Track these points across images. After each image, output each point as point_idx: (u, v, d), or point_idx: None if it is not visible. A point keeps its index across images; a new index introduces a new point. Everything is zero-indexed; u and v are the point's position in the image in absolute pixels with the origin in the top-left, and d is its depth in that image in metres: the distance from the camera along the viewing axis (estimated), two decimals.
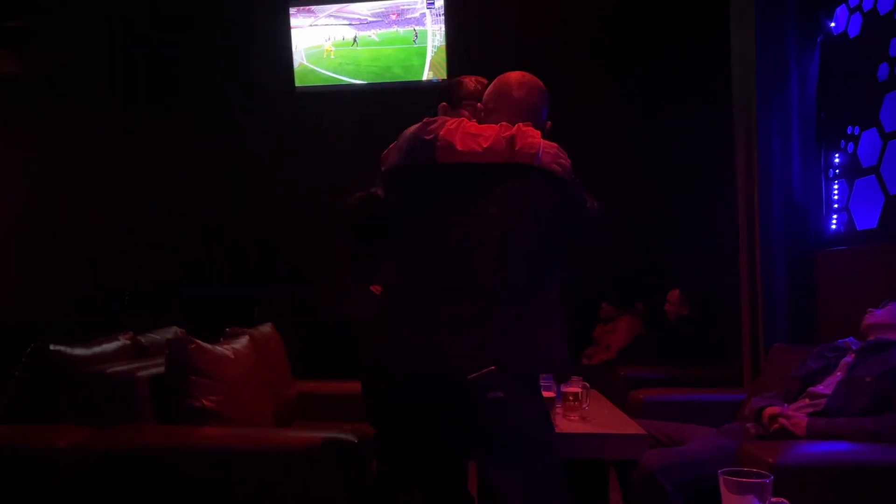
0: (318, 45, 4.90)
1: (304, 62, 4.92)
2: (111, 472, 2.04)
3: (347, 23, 4.86)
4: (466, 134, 1.67)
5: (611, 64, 4.04)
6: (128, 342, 2.57)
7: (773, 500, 1.07)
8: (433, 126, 1.70)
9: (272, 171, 4.92)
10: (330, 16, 4.89)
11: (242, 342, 2.70)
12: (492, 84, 1.88)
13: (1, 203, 5.50)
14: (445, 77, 4.74)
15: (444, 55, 4.76)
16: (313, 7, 4.86)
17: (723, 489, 1.07)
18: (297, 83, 4.95)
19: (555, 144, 1.69)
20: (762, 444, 2.07)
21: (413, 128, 1.78)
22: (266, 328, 3.22)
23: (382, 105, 4.76)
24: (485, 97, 1.86)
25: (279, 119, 5.01)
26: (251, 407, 2.49)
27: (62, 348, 2.27)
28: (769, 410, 2.24)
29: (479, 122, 1.78)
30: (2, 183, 5.52)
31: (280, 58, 4.90)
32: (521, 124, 1.71)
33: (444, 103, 2.10)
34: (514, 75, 1.84)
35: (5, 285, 5.25)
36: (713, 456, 2.09)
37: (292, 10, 4.87)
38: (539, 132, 1.70)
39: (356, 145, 4.68)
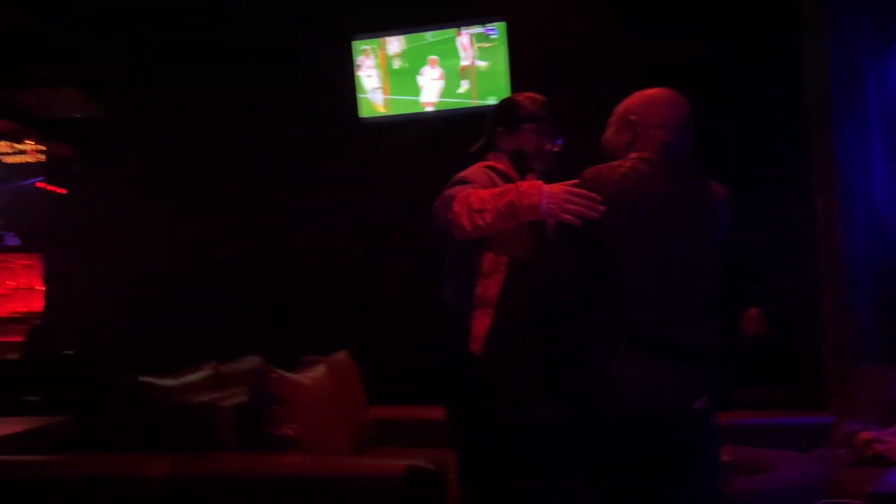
0: (381, 74, 5.00)
1: (368, 93, 5.03)
2: (200, 500, 2.12)
3: (411, 51, 4.95)
4: (472, 211, 1.69)
5: (678, 77, 3.97)
6: (211, 372, 2.67)
7: None
8: (450, 204, 1.75)
9: (342, 199, 5.02)
10: (393, 45, 4.98)
11: (320, 370, 2.77)
12: (645, 102, 1.82)
13: (82, 241, 5.79)
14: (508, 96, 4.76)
15: (505, 78, 4.78)
16: (377, 38, 4.96)
17: None
18: (362, 114, 5.06)
19: (561, 188, 1.62)
20: (857, 472, 1.98)
21: (441, 198, 1.84)
22: (341, 355, 3.28)
23: (449, 130, 4.82)
24: (633, 122, 1.79)
25: (344, 149, 5.12)
26: (330, 434, 2.54)
27: (151, 379, 2.38)
28: (863, 435, 2.14)
29: (631, 139, 1.77)
30: (84, 221, 5.81)
31: (345, 89, 5.02)
32: (522, 182, 1.73)
33: (501, 128, 2.06)
34: (661, 93, 1.83)
35: (90, 320, 5.51)
36: (803, 484, 2.02)
37: (355, 42, 4.98)
38: (540, 183, 1.66)
39: (424, 172, 4.73)
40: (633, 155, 1.73)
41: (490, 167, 2.00)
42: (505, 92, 4.78)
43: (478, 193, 1.73)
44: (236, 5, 5.13)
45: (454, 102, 4.93)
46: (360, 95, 5.01)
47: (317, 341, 3.56)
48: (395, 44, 5.00)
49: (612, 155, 1.79)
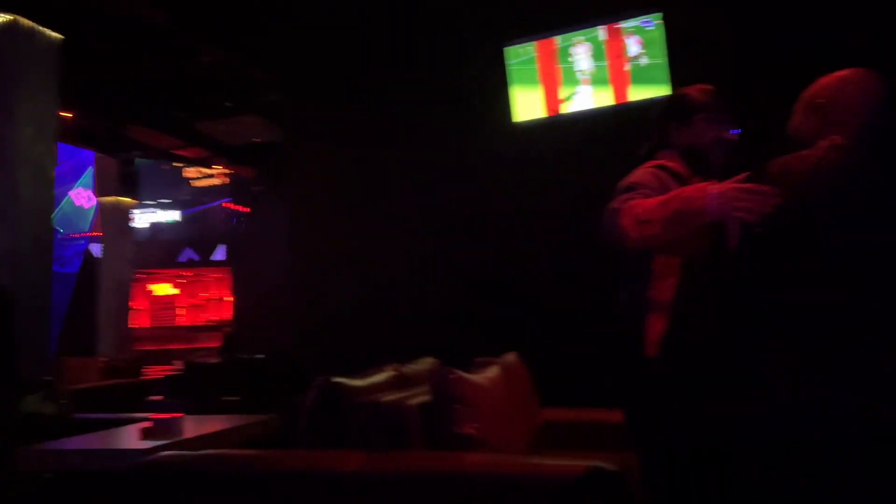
0: (533, 77, 5.03)
1: (520, 96, 5.08)
2: (392, 495, 2.24)
3: (563, 51, 4.94)
4: (639, 223, 1.65)
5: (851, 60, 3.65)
6: (394, 373, 2.82)
7: None
8: (616, 216, 1.72)
9: (503, 203, 5.10)
10: (545, 47, 5.00)
11: (493, 371, 2.84)
12: (834, 84, 1.71)
13: (264, 254, 6.33)
14: (669, 93, 4.61)
15: (664, 72, 4.63)
16: (530, 43, 5.00)
17: None
18: (515, 119, 5.11)
19: (729, 186, 1.53)
20: None
21: (608, 211, 1.81)
22: (511, 357, 3.34)
23: (608, 128, 4.76)
24: (821, 106, 1.70)
25: (501, 153, 5.20)
26: (508, 434, 2.60)
27: (342, 380, 2.56)
28: None
29: (820, 125, 1.67)
30: (266, 236, 6.36)
31: (499, 94, 5.11)
32: (686, 187, 1.67)
33: (672, 123, 2.01)
34: (853, 75, 1.70)
35: (274, 326, 6.01)
36: None
37: (507, 48, 5.06)
38: (705, 185, 1.57)
39: (587, 171, 4.70)
40: (824, 142, 1.62)
41: (660, 167, 1.95)
42: (665, 86, 4.64)
43: (643, 204, 1.69)
44: (394, 25, 5.39)
45: (611, 100, 4.86)
46: (514, 100, 5.08)
47: (486, 344, 3.64)
48: (548, 45, 5.02)
49: (799, 143, 1.70)
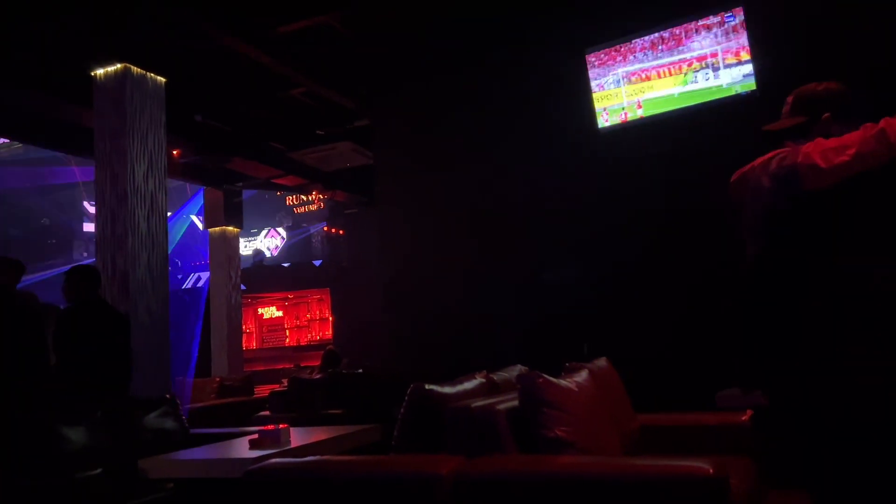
0: (615, 83, 5.00)
1: (604, 103, 5.06)
2: (485, 498, 2.29)
3: (640, 54, 4.89)
4: (827, 150, 1.57)
5: None
6: (483, 380, 2.88)
7: None
8: (784, 157, 1.65)
9: (591, 209, 5.09)
10: (624, 52, 4.97)
11: (583, 376, 2.84)
12: None
13: (360, 274, 6.54)
14: (754, 87, 4.47)
15: (748, 66, 4.50)
16: (607, 50, 4.99)
17: None
18: (601, 125, 5.09)
19: None
20: None
21: (765, 166, 1.75)
22: (602, 362, 3.32)
23: (691, 130, 4.67)
24: None
25: (584, 160, 5.19)
26: (600, 438, 2.59)
27: (435, 387, 2.64)
28: None
29: None
30: (367, 257, 6.57)
31: (582, 102, 5.11)
32: (888, 118, 1.56)
33: (828, 114, 1.90)
34: None
35: (372, 343, 6.20)
36: None
37: (589, 57, 5.06)
38: None
39: (671, 173, 4.63)
40: None
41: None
42: (749, 81, 4.50)
43: (831, 139, 1.62)
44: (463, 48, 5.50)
45: (700, 96, 4.75)
46: (597, 106, 5.07)
47: (574, 350, 3.64)
48: (628, 48, 4.98)
49: None
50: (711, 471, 2.01)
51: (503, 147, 5.49)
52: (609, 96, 5.01)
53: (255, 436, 3.26)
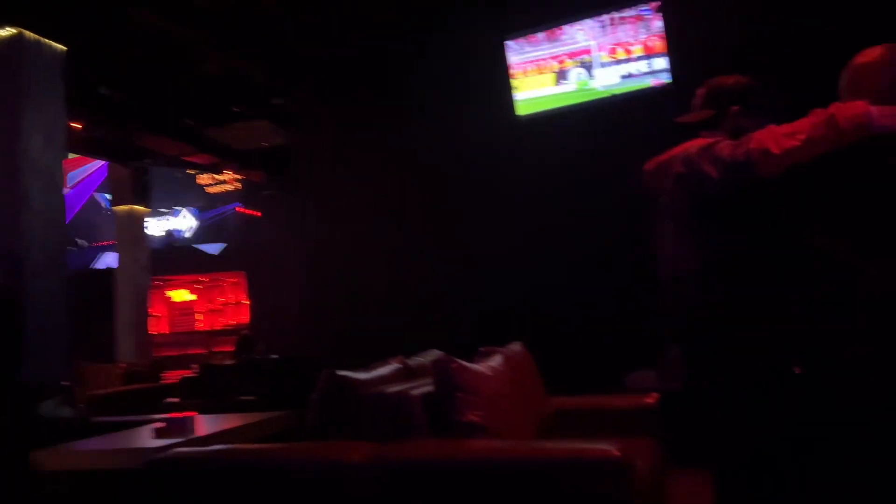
0: (536, 70, 5.04)
1: (524, 90, 5.09)
2: (399, 483, 2.27)
3: (562, 43, 4.95)
4: (779, 136, 1.59)
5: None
6: (399, 365, 2.86)
7: None
8: (738, 145, 1.65)
9: (509, 195, 5.12)
10: (545, 41, 5.01)
11: (497, 360, 2.86)
12: (844, 72, 1.75)
13: (277, 257, 6.40)
14: (669, 80, 4.60)
15: (663, 59, 4.62)
16: (528, 37, 5.02)
17: None
18: (519, 111, 5.13)
19: (892, 107, 1.52)
20: None
21: (705, 153, 1.74)
22: (516, 346, 3.36)
23: (610, 120, 4.77)
24: (841, 90, 1.73)
25: (503, 147, 5.22)
26: (513, 421, 2.62)
27: (348, 373, 2.59)
28: None
29: None
30: (278, 239, 6.42)
31: (500, 89, 5.12)
32: (837, 103, 1.60)
33: (736, 107, 1.95)
34: (862, 57, 1.73)
35: (288, 327, 6.08)
36: None
37: (509, 43, 5.07)
38: (866, 102, 1.53)
39: (587, 162, 4.71)
40: None
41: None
42: (664, 74, 4.63)
43: (781, 126, 1.64)
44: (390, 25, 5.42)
45: (620, 89, 4.85)
46: (515, 93, 5.10)
47: (491, 335, 3.66)
48: (546, 38, 5.02)
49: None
50: (618, 453, 2.06)
51: (425, 131, 5.46)
52: (527, 83, 5.05)
53: (161, 424, 3.12)
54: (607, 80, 4.85)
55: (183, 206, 18.34)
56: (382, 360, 2.87)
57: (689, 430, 1.97)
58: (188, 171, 16.44)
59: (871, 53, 1.73)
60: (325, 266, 5.72)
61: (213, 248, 15.43)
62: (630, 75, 4.77)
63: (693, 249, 1.82)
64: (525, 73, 5.06)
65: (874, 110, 1.49)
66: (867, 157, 1.55)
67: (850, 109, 1.51)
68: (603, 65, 4.86)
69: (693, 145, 1.85)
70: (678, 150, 1.90)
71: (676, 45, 4.58)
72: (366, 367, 2.75)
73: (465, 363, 2.50)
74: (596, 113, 4.90)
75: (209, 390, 5.37)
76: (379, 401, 2.44)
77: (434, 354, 3.18)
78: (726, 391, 1.75)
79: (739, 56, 4.16)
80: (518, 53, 5.05)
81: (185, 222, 18.16)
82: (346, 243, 5.59)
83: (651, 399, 3.24)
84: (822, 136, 1.52)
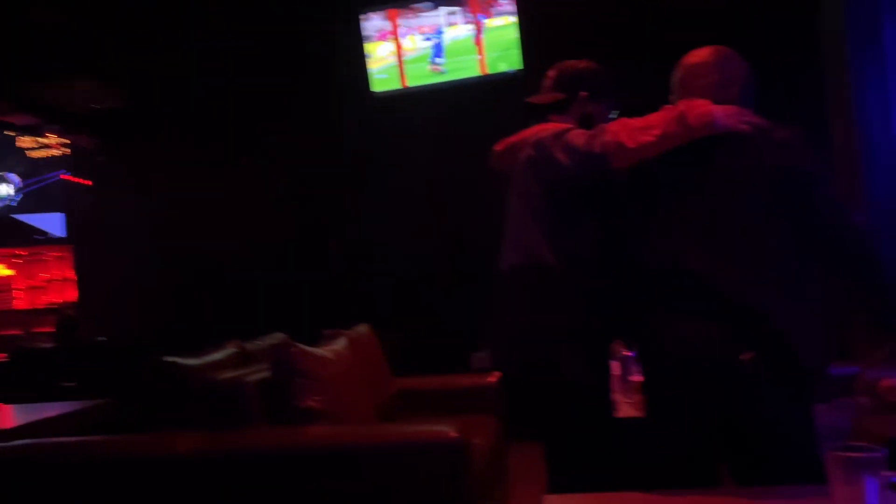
0: (391, 49, 4.98)
1: (378, 67, 5.01)
2: (230, 474, 2.17)
3: (420, 23, 4.91)
4: (633, 129, 1.62)
5: (688, 32, 3.91)
6: (235, 350, 2.71)
7: (889, 474, 1.01)
8: (598, 133, 1.67)
9: (359, 175, 5.04)
10: (402, 17, 4.95)
11: (341, 343, 2.80)
12: (677, 70, 1.82)
13: (109, 230, 5.89)
14: (520, 66, 4.70)
15: (517, 45, 4.72)
16: (386, 11, 4.93)
17: (831, 468, 1.02)
18: (374, 88, 5.04)
19: (736, 107, 1.60)
20: (879, 419, 1.96)
21: (557, 139, 1.75)
22: (363, 329, 3.32)
23: (463, 102, 4.80)
24: (673, 87, 1.81)
25: (356, 125, 5.12)
26: (354, 405, 2.58)
27: (175, 360, 2.42)
28: (885, 382, 2.11)
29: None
30: (111, 210, 5.91)
31: (355, 64, 5.01)
32: (687, 99, 1.67)
33: (585, 93, 1.97)
34: (692, 57, 1.80)
35: (121, 307, 5.64)
36: (824, 434, 2.00)
37: (363, 17, 4.96)
38: (709, 101, 1.61)
39: (439, 144, 4.73)
40: None
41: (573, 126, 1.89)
42: (517, 60, 4.73)
43: (634, 119, 1.67)
44: None
45: (465, 72, 4.89)
46: (371, 70, 5.01)
47: (340, 317, 3.60)
48: (403, 16, 4.97)
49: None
50: (454, 434, 2.09)
51: (272, 102, 5.22)
52: (385, 60, 4.98)
53: None
54: (461, 62, 4.89)
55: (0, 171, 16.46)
56: (217, 346, 2.72)
57: (525, 407, 2.04)
58: (5, 133, 14.74)
59: (700, 54, 1.82)
60: (162, 242, 5.35)
61: (35, 220, 13.98)
62: (482, 58, 4.83)
63: (542, 234, 1.85)
64: (379, 49, 4.98)
65: (717, 110, 1.57)
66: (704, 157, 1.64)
67: (697, 108, 1.58)
68: (457, 46, 4.88)
69: (545, 130, 1.86)
70: (529, 133, 1.91)
71: (528, 30, 4.69)
72: (197, 352, 2.59)
73: (305, 347, 2.42)
74: (449, 95, 4.93)
75: (23, 377, 4.87)
76: (210, 388, 2.31)
77: (277, 338, 3.07)
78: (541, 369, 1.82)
79: (588, 42, 4.34)
80: (373, 29, 4.95)
81: (4, 189, 16.32)
82: (185, 219, 5.26)
83: (493, 378, 3.33)
84: (673, 132, 1.58)
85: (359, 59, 4.96)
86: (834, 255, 1.68)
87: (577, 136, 1.73)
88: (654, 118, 1.62)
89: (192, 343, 2.98)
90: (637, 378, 2.55)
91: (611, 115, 2.02)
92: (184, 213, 5.31)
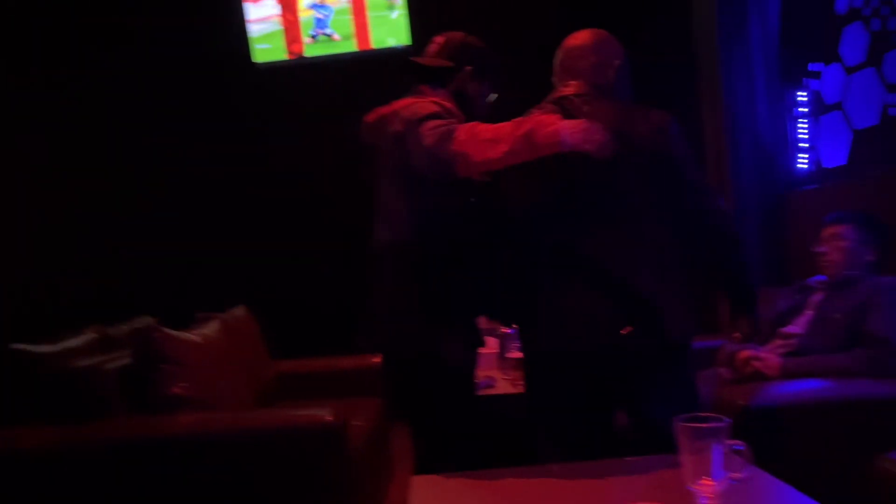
0: (274, 16, 4.78)
1: (260, 36, 4.80)
2: (84, 470, 2.02)
3: None
4: (481, 142, 1.58)
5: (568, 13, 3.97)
6: (95, 336, 2.53)
7: (732, 442, 1.07)
8: (449, 136, 1.62)
9: (237, 150, 4.81)
10: None
11: (213, 327, 2.68)
12: (558, 53, 1.85)
13: None
14: (409, 42, 4.63)
15: (405, 19, 4.65)
16: None
17: (679, 437, 1.06)
18: (256, 58, 4.83)
19: (583, 122, 1.58)
20: (735, 389, 2.08)
21: (417, 124, 1.69)
22: (239, 311, 3.19)
23: (349, 76, 4.68)
24: (555, 69, 1.84)
25: (239, 96, 4.89)
26: (228, 391, 2.47)
27: (26, 347, 2.22)
28: (742, 354, 2.24)
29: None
30: None
31: (234, 33, 4.77)
32: (539, 114, 1.67)
33: (469, 68, 1.93)
34: (572, 40, 1.84)
35: None
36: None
37: None
38: (554, 116, 1.60)
39: (322, 120, 4.60)
40: None
41: (440, 104, 1.81)
42: (404, 35, 4.66)
43: (485, 125, 1.62)
44: None
45: (352, 44, 4.77)
46: (252, 40, 4.79)
47: (216, 298, 3.43)
48: None
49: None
50: (329, 418, 2.04)
51: (146, 67, 4.88)
52: (267, 30, 4.77)
53: None
54: (347, 35, 4.76)
55: None
56: (75, 331, 2.52)
57: (394, 386, 2.04)
58: None
59: (579, 37, 1.85)
60: (13, 215, 4.88)
61: None
62: (370, 33, 4.73)
63: (407, 210, 1.81)
64: (263, 19, 4.77)
65: (564, 128, 1.55)
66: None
67: (546, 126, 1.56)
68: (344, 19, 4.75)
69: (416, 105, 1.79)
70: (401, 105, 1.84)
71: (417, 5, 4.62)
72: (51, 338, 2.38)
73: (170, 331, 2.28)
74: (335, 68, 4.78)
75: None
76: (64, 378, 2.13)
77: (144, 322, 2.89)
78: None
79: (475, 21, 4.32)
80: None
81: None
82: (41, 191, 4.83)
83: (376, 359, 3.29)
84: (519, 149, 1.57)
85: (238, 27, 4.73)
86: (699, 237, 1.76)
87: (428, 134, 1.66)
88: (503, 130, 1.59)
89: (46, 328, 2.75)
90: (516, 355, 2.59)
91: (488, 98, 2.01)
92: (35, 185, 4.87)
